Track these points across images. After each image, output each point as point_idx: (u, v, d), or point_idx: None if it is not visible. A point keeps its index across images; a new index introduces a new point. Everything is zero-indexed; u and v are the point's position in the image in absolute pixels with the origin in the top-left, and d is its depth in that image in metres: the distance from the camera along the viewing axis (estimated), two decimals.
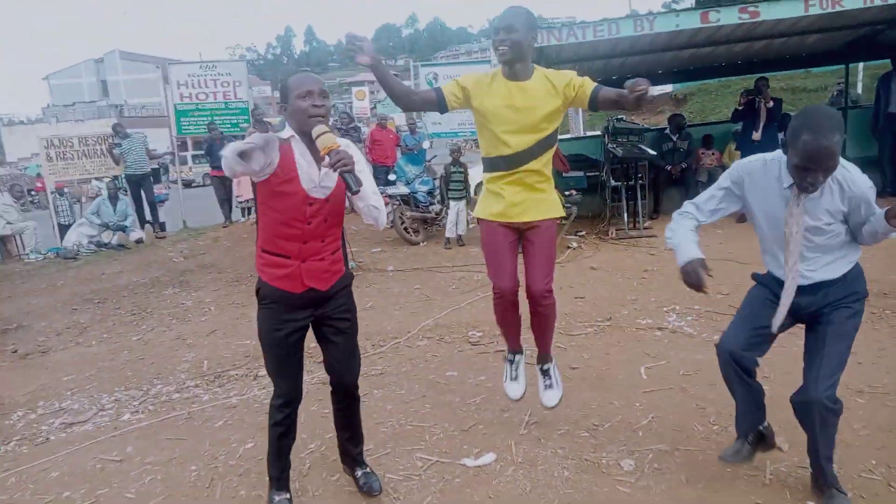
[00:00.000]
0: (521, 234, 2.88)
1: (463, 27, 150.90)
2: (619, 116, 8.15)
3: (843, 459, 2.51)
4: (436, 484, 2.72)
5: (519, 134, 2.72)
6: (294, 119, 2.28)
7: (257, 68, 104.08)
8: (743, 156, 8.43)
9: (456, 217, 8.02)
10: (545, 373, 3.11)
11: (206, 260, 8.62)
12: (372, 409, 3.52)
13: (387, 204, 8.58)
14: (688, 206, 2.49)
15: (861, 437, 2.77)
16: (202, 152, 17.41)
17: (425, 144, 10.13)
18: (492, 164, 2.83)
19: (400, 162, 9.64)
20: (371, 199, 2.36)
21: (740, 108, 8.76)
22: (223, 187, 10.66)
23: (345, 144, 2.22)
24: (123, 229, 10.12)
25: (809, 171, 2.02)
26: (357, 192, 2.14)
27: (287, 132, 2.28)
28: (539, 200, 2.85)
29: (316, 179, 2.29)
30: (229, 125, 10.86)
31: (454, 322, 5.08)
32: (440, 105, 2.79)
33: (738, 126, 8.82)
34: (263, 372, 4.28)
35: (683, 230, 2.41)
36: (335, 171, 2.10)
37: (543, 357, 3.12)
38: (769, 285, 2.39)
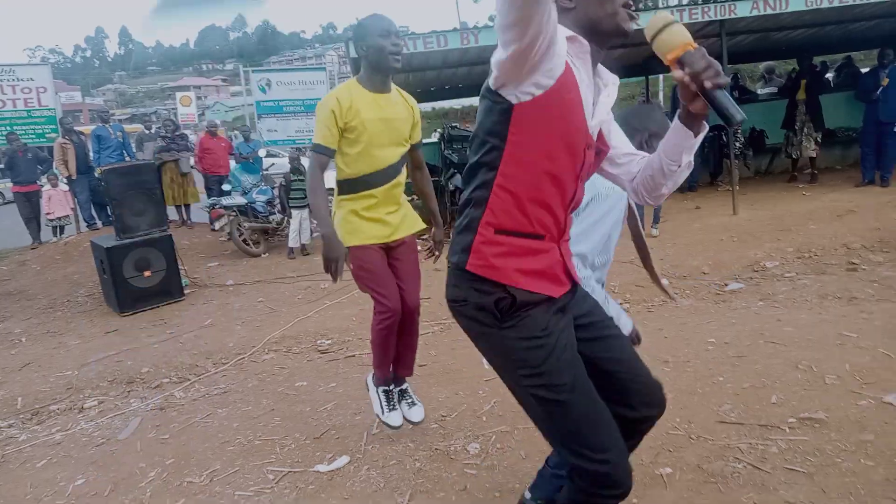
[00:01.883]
0: (388, 251, 2.83)
1: (296, 32, 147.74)
2: (454, 124, 8.55)
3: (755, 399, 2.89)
4: (289, 494, 2.69)
5: (390, 147, 2.69)
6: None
7: (64, 72, 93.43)
8: None
9: (299, 226, 7.88)
10: (404, 393, 3.07)
11: (12, 286, 7.63)
12: (217, 429, 3.38)
13: (221, 216, 8.20)
14: None
15: (667, 400, 3.19)
16: (1, 166, 15.29)
17: (261, 152, 9.82)
18: (364, 183, 2.69)
19: (234, 171, 9.25)
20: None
21: None
22: (29, 204, 9.49)
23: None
24: None
25: None
26: (739, 123, 1.35)
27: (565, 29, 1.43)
28: (405, 215, 2.84)
29: (591, 109, 1.49)
30: (33, 135, 9.68)
31: (302, 332, 5.01)
32: (331, 154, 2.63)
33: None
34: (90, 403, 3.95)
35: None
36: (705, 89, 1.33)
37: (402, 380, 3.07)
38: None
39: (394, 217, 2.79)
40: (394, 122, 2.68)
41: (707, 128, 1.52)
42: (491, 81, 1.42)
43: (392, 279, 2.79)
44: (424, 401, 3.45)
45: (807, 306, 4.43)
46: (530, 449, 2.83)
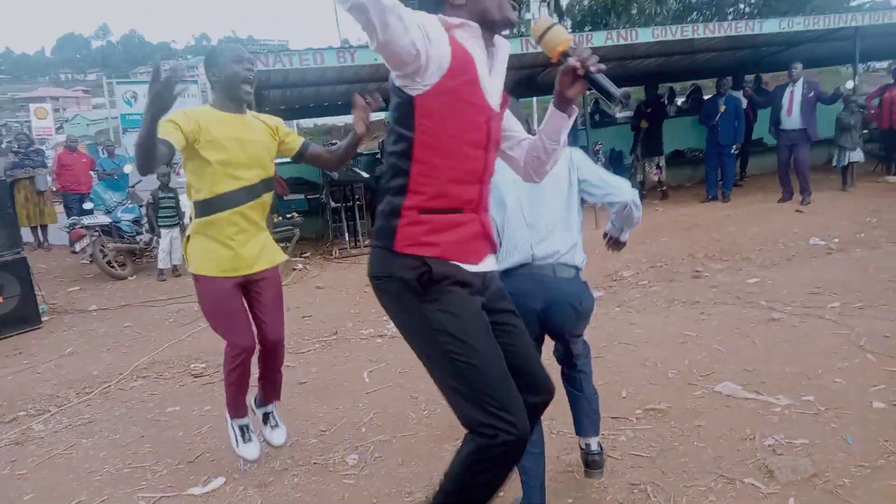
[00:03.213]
0: (246, 284, 2.69)
1: (165, 42, 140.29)
2: (333, 141, 8.58)
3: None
4: None
5: (246, 168, 2.57)
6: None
7: None
8: None
9: (169, 246, 7.52)
10: (268, 416, 2.99)
11: None
12: (82, 460, 3.21)
13: (83, 236, 7.67)
14: None
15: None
16: None
17: (127, 168, 9.28)
18: (218, 204, 2.54)
19: (97, 188, 8.69)
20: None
21: None
22: None
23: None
24: None
25: None
26: (626, 103, 1.51)
27: (454, 19, 1.63)
28: (264, 245, 2.72)
29: (489, 83, 1.69)
30: None
31: (174, 357, 4.83)
32: (171, 155, 2.34)
33: None
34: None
35: None
36: (587, 74, 1.59)
37: (268, 403, 3.00)
38: None
39: (251, 248, 2.64)
40: (249, 143, 2.57)
41: (577, 110, 1.84)
42: (391, 78, 1.63)
43: (244, 315, 2.67)
44: (303, 417, 3.49)
45: (656, 310, 4.92)
46: (407, 456, 2.95)
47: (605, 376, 3.58)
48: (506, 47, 1.77)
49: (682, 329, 4.31)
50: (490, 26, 1.68)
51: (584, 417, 2.50)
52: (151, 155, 2.20)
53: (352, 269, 7.29)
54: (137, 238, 8.00)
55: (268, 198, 2.71)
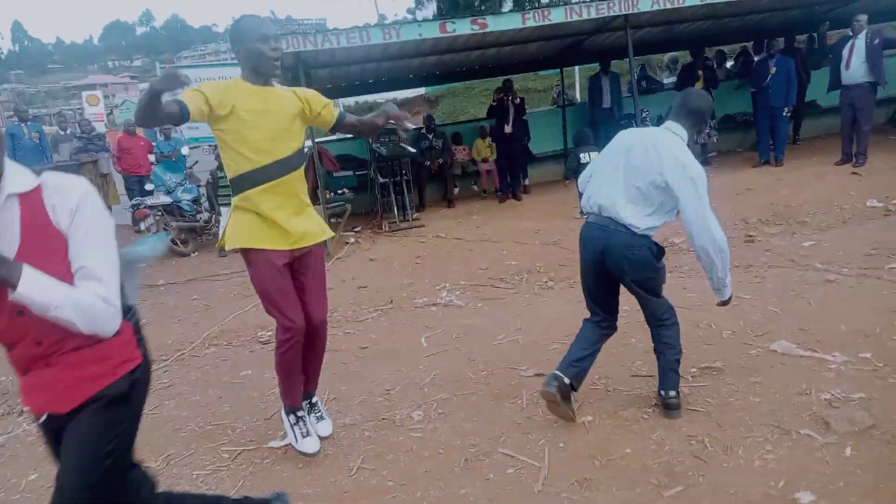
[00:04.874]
0: (292, 262, 2.66)
1: (207, 25, 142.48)
2: None
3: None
4: (245, 469, 2.85)
5: (279, 141, 2.53)
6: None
7: None
8: (498, 145, 9.46)
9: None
10: (314, 406, 3.00)
11: None
12: (167, 419, 3.48)
13: (147, 216, 8.05)
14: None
15: None
16: None
17: (184, 150, 9.64)
18: (255, 179, 2.51)
19: (156, 170, 9.05)
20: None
21: (494, 104, 9.95)
22: None
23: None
24: None
25: None
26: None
27: None
28: (310, 220, 2.68)
29: None
30: None
31: (241, 326, 5.09)
32: (182, 116, 2.31)
33: (487, 122, 10.01)
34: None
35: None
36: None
37: (308, 391, 2.98)
38: None
39: (297, 224, 2.60)
40: (278, 115, 2.53)
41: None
42: None
43: (294, 295, 2.63)
44: (368, 379, 3.69)
45: None
46: (469, 412, 3.11)
47: None
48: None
49: (736, 292, 4.25)
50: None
51: (660, 372, 2.86)
52: (151, 111, 2.16)
53: (401, 242, 7.47)
54: (198, 216, 8.36)
55: (302, 170, 2.66)
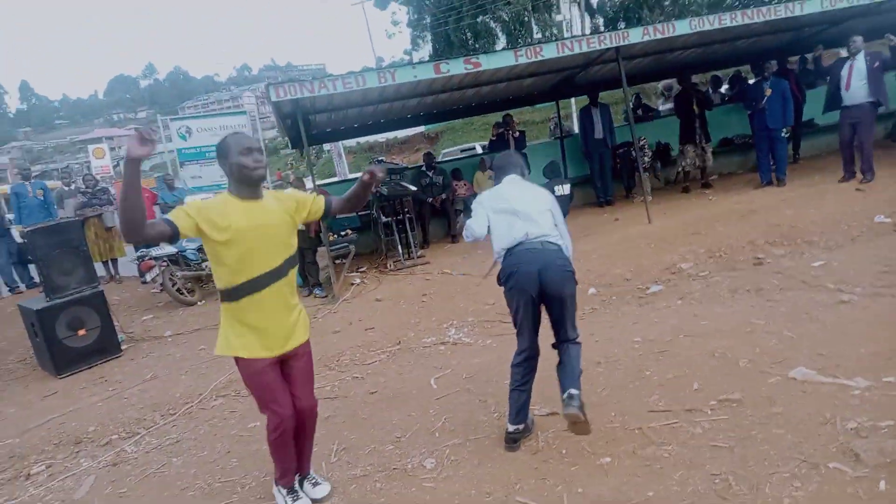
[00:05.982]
0: (281, 357, 2.75)
1: (209, 76, 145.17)
2: (380, 158, 8.75)
3: (593, 418, 3.12)
4: None
5: (272, 255, 2.63)
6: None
7: None
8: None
9: None
10: (308, 479, 3.02)
11: None
12: (174, 477, 3.40)
13: (152, 267, 8.06)
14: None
15: (603, 396, 3.47)
16: None
17: (187, 199, 9.71)
18: (243, 290, 2.60)
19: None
20: None
21: (494, 138, 10.01)
22: None
23: None
24: None
25: None
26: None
27: None
28: (296, 322, 2.77)
29: None
30: None
31: None
32: (174, 236, 2.45)
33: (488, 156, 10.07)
34: (37, 469, 3.86)
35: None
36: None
37: (302, 473, 3.01)
38: None
39: (284, 327, 2.71)
40: (269, 227, 2.62)
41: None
42: None
43: (282, 387, 2.74)
44: (378, 426, 3.60)
45: (720, 300, 4.85)
46: (483, 457, 3.02)
47: (674, 369, 3.57)
48: None
49: (748, 317, 4.24)
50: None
51: (570, 374, 2.94)
52: (134, 213, 2.27)
53: (407, 281, 7.42)
54: (203, 265, 8.35)
55: (293, 274, 2.76)
